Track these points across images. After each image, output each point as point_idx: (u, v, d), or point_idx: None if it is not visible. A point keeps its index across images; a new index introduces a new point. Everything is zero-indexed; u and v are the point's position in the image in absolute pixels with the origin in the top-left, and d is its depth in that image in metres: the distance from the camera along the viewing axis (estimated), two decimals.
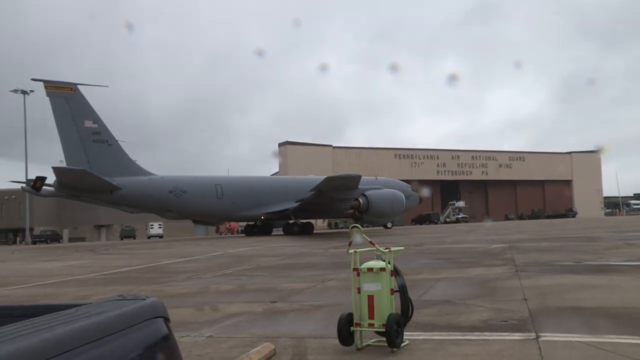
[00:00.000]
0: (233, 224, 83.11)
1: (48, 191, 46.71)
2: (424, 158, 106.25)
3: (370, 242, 7.47)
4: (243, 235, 61.40)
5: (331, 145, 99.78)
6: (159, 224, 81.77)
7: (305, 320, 9.65)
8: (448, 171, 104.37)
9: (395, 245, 7.83)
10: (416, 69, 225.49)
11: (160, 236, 79.20)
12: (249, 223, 56.84)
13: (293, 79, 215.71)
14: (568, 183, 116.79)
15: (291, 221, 51.67)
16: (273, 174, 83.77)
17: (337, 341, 7.18)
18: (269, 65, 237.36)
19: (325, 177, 47.38)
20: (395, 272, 7.33)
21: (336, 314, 7.54)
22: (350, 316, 7.26)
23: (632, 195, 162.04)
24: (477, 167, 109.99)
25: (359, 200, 48.01)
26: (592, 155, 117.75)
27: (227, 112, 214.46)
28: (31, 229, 79.36)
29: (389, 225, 57.69)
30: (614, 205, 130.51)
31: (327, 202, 47.96)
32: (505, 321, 8.55)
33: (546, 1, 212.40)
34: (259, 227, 55.13)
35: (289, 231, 51.62)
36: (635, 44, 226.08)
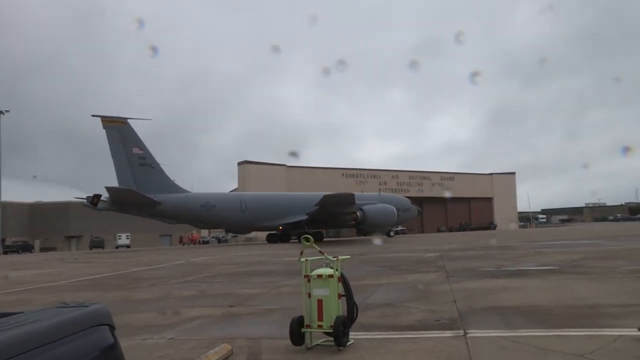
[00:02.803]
0: (195, 235, 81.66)
1: (103, 206, 49.22)
2: (368, 177, 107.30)
3: (320, 252, 7.51)
4: (205, 245, 61.54)
5: (285, 165, 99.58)
6: (127, 235, 79.47)
7: (260, 322, 9.56)
8: (389, 189, 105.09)
9: (342, 254, 7.88)
10: (369, 95, 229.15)
11: (128, 246, 76.84)
12: (270, 232, 58.90)
13: (257, 103, 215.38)
14: (489, 200, 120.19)
15: (304, 230, 52.92)
16: (232, 191, 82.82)
17: (289, 341, 7.15)
18: (235, 89, 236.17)
19: (323, 194, 50.17)
20: (342, 279, 7.38)
21: (288, 317, 7.50)
22: (301, 318, 7.24)
23: (540, 210, 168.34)
24: (413, 186, 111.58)
25: (356, 214, 51.38)
26: (509, 177, 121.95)
27: (192, 132, 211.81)
28: (3, 240, 75.61)
29: (392, 234, 60.06)
30: (526, 219, 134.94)
31: (330, 215, 51.28)
32: (438, 320, 8.71)
33: (482, 43, 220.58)
34: (279, 236, 57.21)
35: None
36: (550, 82, 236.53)
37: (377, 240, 48.80)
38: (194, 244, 77.42)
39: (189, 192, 53.56)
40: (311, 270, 7.36)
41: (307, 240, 7.39)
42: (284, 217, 54.96)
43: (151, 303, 12.70)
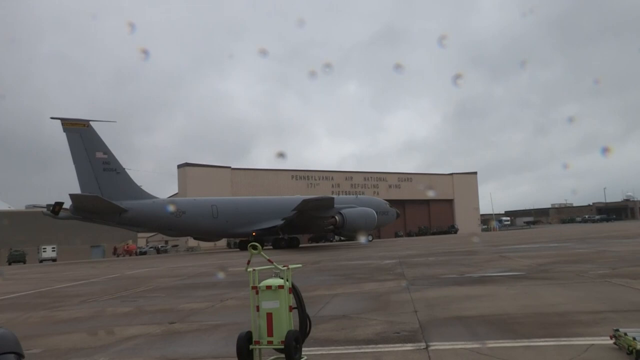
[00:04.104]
0: (131, 245, 79.99)
1: (65, 215, 50.09)
2: (319, 179, 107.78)
3: (269, 260, 7.35)
4: (143, 257, 60.93)
5: (230, 167, 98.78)
6: (52, 247, 76.87)
7: (205, 340, 9.33)
8: (342, 191, 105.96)
9: (293, 262, 7.72)
10: (322, 90, 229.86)
11: (54, 260, 74.21)
12: (242, 239, 60.12)
13: (199, 99, 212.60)
14: (450, 202, 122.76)
15: (279, 236, 55.94)
16: (171, 196, 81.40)
17: None
18: (175, 84, 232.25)
19: (303, 198, 51.67)
20: (293, 289, 7.23)
21: (235, 333, 7.31)
22: (249, 334, 7.07)
23: (503, 212, 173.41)
24: (369, 188, 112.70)
25: (335, 218, 52.80)
26: (471, 177, 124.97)
27: (130, 131, 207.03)
28: None
29: (370, 238, 61.63)
30: (488, 221, 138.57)
31: (308, 220, 52.61)
32: (398, 333, 8.68)
33: (443, 34, 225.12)
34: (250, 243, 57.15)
35: (277, 245, 55.64)
36: (516, 74, 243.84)
37: (362, 239, 52.28)
38: (130, 255, 75.65)
39: (156, 198, 54.65)
40: (260, 281, 7.19)
41: (255, 248, 7.22)
42: (258, 222, 56.22)
43: (81, 322, 12.27)
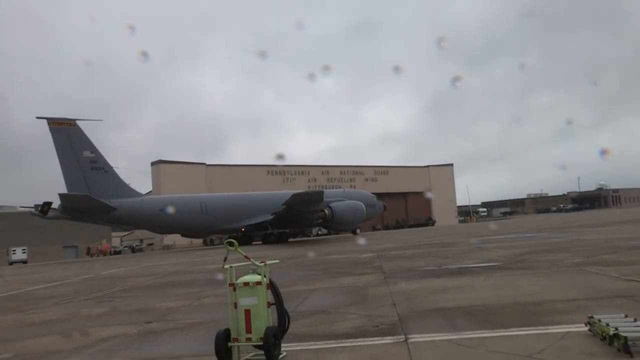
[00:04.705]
0: (105, 245, 79.02)
1: (53, 214, 50.64)
2: (295, 174, 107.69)
3: (246, 257, 7.35)
4: (118, 256, 62.43)
5: (205, 163, 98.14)
6: (23, 249, 75.48)
7: (182, 339, 9.29)
8: (319, 186, 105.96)
9: (270, 258, 7.73)
10: (298, 84, 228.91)
11: (25, 262, 72.88)
12: (231, 235, 59.34)
13: (173, 94, 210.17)
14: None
15: (268, 232, 56.89)
16: (147, 193, 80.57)
17: (214, 358, 6.97)
18: (149, 79, 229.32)
19: (292, 193, 52.48)
20: (271, 285, 7.24)
21: (213, 331, 7.31)
22: (227, 332, 7.07)
23: (480, 203, 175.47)
24: (345, 182, 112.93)
25: (324, 212, 53.88)
26: (447, 169, 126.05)
27: (101, 128, 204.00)
28: None
29: (357, 231, 64.04)
30: (465, 213, 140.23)
31: (297, 214, 53.55)
32: (377, 326, 8.75)
33: (420, 24, 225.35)
34: (239, 239, 58.12)
35: (267, 240, 56.69)
36: (492, 64, 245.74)
37: (359, 239, 51.19)
38: (104, 255, 74.73)
39: (144, 195, 56.44)
40: (237, 278, 7.19)
41: (231, 244, 7.22)
42: (246, 218, 57.28)
43: (54, 325, 12.11)
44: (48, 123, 49.34)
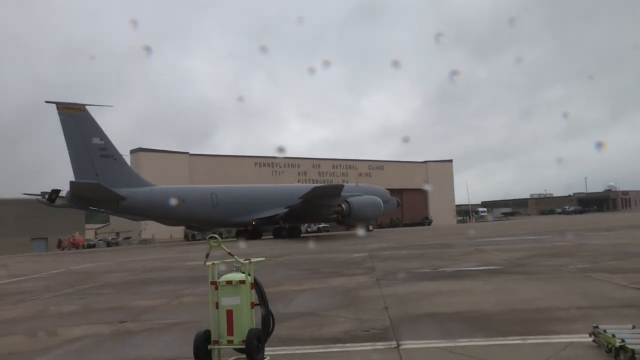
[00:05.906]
0: (78, 238, 78.45)
1: (61, 202, 51.10)
2: (285, 167, 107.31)
3: (229, 254, 7.29)
4: (92, 250, 62.61)
5: (188, 153, 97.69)
6: None
7: (158, 340, 9.26)
8: (309, 179, 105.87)
9: (255, 256, 7.68)
10: (292, 71, 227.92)
11: None
12: (240, 228, 62.04)
13: (157, 78, 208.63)
14: (424, 192, 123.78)
15: (279, 226, 58.39)
16: None
17: None
18: (133, 62, 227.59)
19: (313, 186, 54.41)
20: (256, 285, 7.20)
21: (192, 332, 7.26)
22: (207, 333, 7.02)
23: (480, 203, 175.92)
24: (337, 176, 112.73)
25: (342, 206, 55.30)
26: (446, 165, 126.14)
27: None
28: None
29: (370, 228, 63.86)
30: (464, 212, 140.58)
31: (313, 208, 54.37)
32: (367, 331, 8.75)
33: (426, 9, 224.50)
34: (250, 232, 60.26)
35: (278, 235, 58.19)
36: (500, 54, 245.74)
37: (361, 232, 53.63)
38: (77, 249, 74.31)
39: (155, 185, 56.25)
40: (219, 276, 7.14)
41: (214, 240, 7.16)
42: (258, 211, 57.92)
43: (18, 323, 12.02)
44: (57, 107, 49.75)
